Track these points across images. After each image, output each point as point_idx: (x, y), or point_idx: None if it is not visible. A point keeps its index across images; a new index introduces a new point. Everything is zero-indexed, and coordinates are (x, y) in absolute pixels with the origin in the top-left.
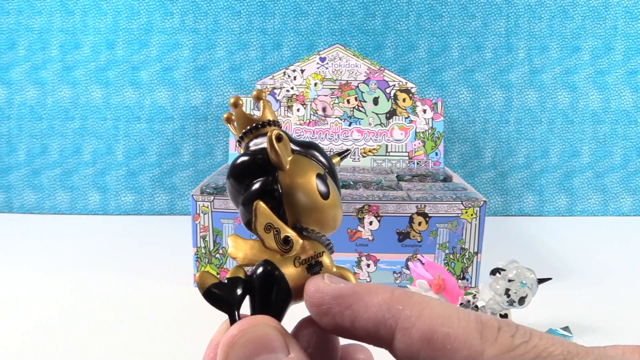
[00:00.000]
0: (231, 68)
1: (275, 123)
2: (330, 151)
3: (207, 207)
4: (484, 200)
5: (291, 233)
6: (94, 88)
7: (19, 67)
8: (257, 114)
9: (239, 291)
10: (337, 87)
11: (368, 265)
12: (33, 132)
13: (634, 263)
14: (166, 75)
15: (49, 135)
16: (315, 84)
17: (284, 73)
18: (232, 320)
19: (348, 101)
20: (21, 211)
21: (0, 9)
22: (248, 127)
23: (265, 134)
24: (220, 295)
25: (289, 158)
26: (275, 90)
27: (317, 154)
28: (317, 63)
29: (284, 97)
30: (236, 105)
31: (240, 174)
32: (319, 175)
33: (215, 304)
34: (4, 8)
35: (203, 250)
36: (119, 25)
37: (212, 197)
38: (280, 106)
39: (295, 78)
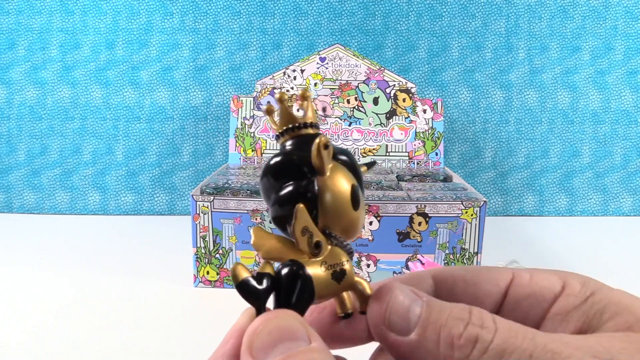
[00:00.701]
0: (231, 68)
1: (316, 126)
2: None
3: (207, 207)
4: (484, 200)
5: (322, 238)
6: (93, 88)
7: (18, 67)
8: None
9: (267, 286)
10: (337, 87)
11: (368, 266)
12: (33, 132)
13: (634, 263)
14: (166, 75)
15: (49, 135)
16: (315, 84)
17: (284, 73)
18: (258, 313)
19: (348, 101)
20: (21, 211)
21: (0, 9)
22: (290, 126)
23: (303, 136)
24: (251, 288)
25: (330, 165)
26: (275, 90)
27: (349, 161)
28: (317, 63)
29: None
30: (282, 101)
31: (278, 173)
32: (353, 186)
33: (245, 296)
34: (4, 8)
35: (203, 251)
36: (119, 25)
37: (212, 197)
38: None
39: (295, 78)
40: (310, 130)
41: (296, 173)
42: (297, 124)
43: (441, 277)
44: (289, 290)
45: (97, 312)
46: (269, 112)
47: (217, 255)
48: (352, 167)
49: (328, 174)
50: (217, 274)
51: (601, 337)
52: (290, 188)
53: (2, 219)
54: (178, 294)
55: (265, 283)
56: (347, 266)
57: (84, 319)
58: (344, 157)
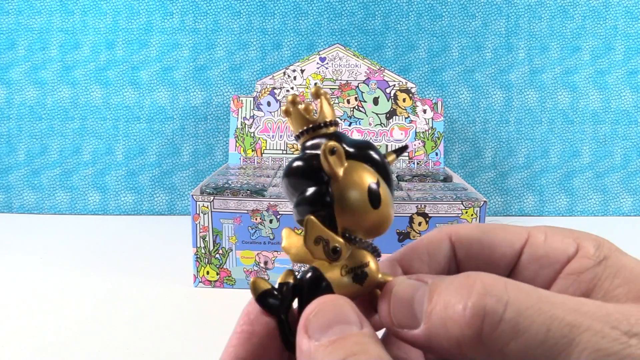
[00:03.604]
0: (231, 68)
1: (333, 123)
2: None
3: (207, 207)
4: (484, 201)
5: (340, 242)
6: (93, 88)
7: (18, 67)
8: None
9: (286, 296)
10: (337, 87)
11: None
12: (33, 132)
13: None
14: (166, 75)
15: (49, 135)
16: (315, 84)
17: (284, 73)
18: (280, 324)
19: (348, 101)
20: (21, 211)
21: (0, 9)
22: (305, 128)
23: (323, 135)
24: (270, 301)
25: (343, 167)
26: (275, 90)
27: (372, 154)
28: (317, 63)
29: (284, 97)
30: (295, 103)
31: (294, 177)
32: (371, 185)
33: (265, 309)
34: (4, 8)
35: (203, 251)
36: (119, 25)
37: (212, 197)
38: (280, 106)
39: (295, 78)
40: (329, 130)
41: (313, 177)
42: (311, 126)
43: (458, 238)
44: (310, 298)
45: (97, 312)
46: (287, 113)
47: (217, 255)
48: (373, 160)
49: (342, 176)
50: (217, 274)
51: (620, 307)
52: (307, 194)
53: (2, 219)
54: (178, 294)
55: (285, 294)
56: (370, 266)
57: (84, 318)
58: (364, 151)
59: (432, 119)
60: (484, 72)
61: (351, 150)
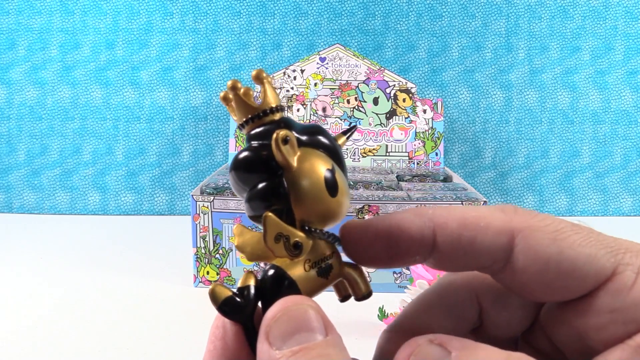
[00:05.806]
0: (231, 68)
1: (279, 109)
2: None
3: (207, 207)
4: (484, 201)
5: (301, 237)
6: (93, 88)
7: (19, 67)
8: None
9: (251, 301)
10: (337, 87)
11: None
12: (33, 132)
13: None
14: (166, 75)
15: (49, 135)
16: (315, 84)
17: (284, 73)
18: (246, 330)
19: (348, 101)
20: (21, 211)
21: (0, 9)
22: (249, 116)
23: (268, 123)
24: (233, 308)
25: (296, 156)
26: (276, 91)
27: (323, 139)
28: (317, 63)
29: (284, 97)
30: (235, 89)
31: (244, 170)
32: (327, 172)
33: (229, 317)
34: (4, 8)
35: (203, 251)
36: (119, 25)
37: (212, 197)
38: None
39: (295, 78)
40: (275, 116)
41: (264, 169)
42: (256, 114)
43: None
44: (273, 299)
45: (97, 312)
46: (226, 99)
47: (217, 256)
48: (325, 146)
49: (296, 165)
50: (217, 274)
51: None
52: (259, 187)
53: (2, 219)
54: (178, 294)
55: (248, 298)
56: (332, 260)
57: (84, 319)
58: (315, 137)
59: (432, 119)
60: (484, 72)
61: (302, 137)
